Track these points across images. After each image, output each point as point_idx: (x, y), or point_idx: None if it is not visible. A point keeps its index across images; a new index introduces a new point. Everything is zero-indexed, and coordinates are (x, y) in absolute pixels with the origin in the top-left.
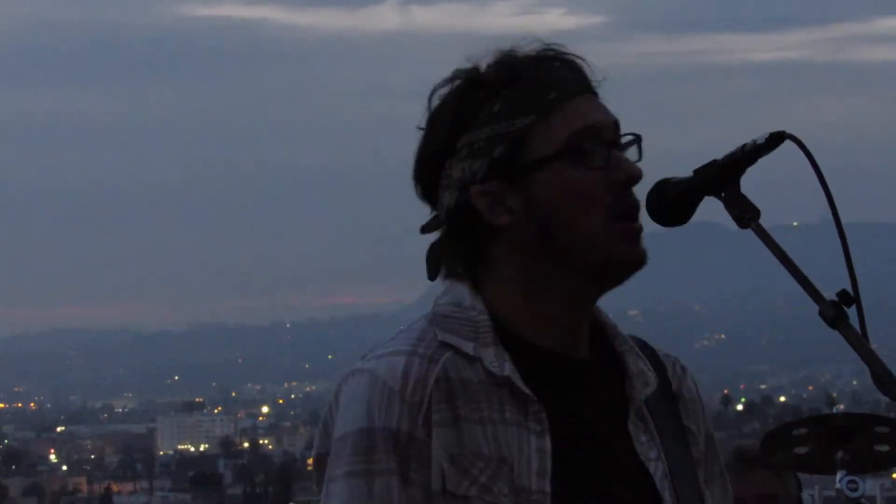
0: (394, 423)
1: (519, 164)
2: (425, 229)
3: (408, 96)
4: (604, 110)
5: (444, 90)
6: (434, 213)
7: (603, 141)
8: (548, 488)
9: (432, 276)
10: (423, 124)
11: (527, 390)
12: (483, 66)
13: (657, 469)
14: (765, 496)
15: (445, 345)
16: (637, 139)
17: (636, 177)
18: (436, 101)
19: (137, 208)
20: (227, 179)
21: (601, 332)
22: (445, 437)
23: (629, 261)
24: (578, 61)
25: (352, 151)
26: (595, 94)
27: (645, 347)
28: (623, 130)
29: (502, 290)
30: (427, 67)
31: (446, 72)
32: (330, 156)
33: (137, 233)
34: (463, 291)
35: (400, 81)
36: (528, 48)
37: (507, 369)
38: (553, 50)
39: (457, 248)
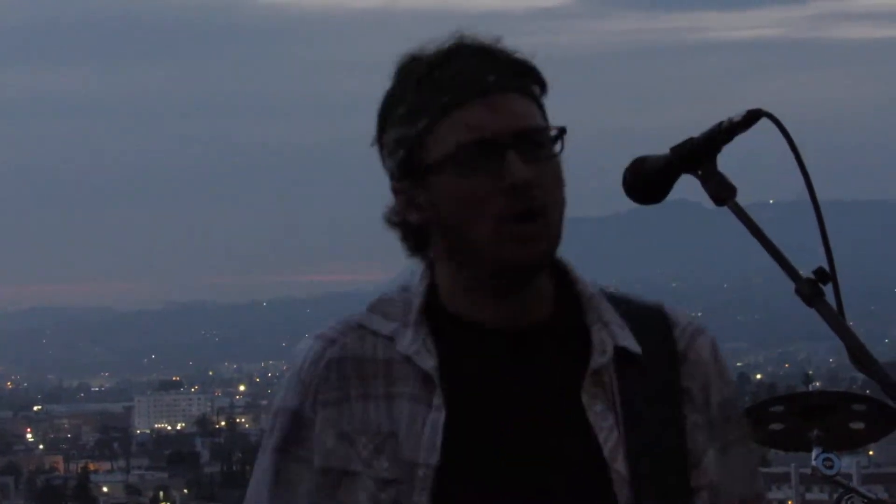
0: (290, 402)
1: (419, 166)
2: (386, 217)
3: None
4: (501, 113)
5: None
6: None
7: (493, 146)
8: (433, 461)
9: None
10: None
11: (426, 367)
12: (407, 61)
13: (609, 438)
14: None
15: (361, 326)
16: (560, 133)
17: (521, 182)
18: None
19: (115, 187)
20: (204, 158)
21: (577, 302)
22: (332, 416)
23: (518, 263)
24: (497, 54)
25: (331, 129)
26: (506, 89)
27: (647, 307)
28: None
29: (442, 274)
30: (407, 45)
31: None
32: (309, 133)
33: (114, 212)
34: (418, 273)
35: (380, 59)
36: (446, 42)
37: (412, 349)
38: (465, 43)
39: (402, 234)
